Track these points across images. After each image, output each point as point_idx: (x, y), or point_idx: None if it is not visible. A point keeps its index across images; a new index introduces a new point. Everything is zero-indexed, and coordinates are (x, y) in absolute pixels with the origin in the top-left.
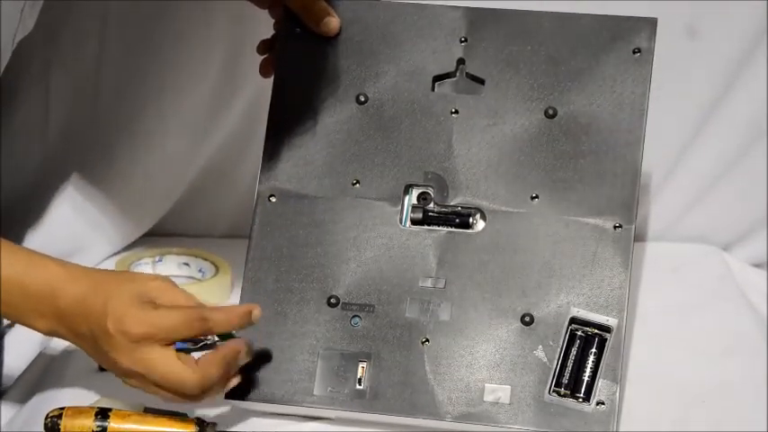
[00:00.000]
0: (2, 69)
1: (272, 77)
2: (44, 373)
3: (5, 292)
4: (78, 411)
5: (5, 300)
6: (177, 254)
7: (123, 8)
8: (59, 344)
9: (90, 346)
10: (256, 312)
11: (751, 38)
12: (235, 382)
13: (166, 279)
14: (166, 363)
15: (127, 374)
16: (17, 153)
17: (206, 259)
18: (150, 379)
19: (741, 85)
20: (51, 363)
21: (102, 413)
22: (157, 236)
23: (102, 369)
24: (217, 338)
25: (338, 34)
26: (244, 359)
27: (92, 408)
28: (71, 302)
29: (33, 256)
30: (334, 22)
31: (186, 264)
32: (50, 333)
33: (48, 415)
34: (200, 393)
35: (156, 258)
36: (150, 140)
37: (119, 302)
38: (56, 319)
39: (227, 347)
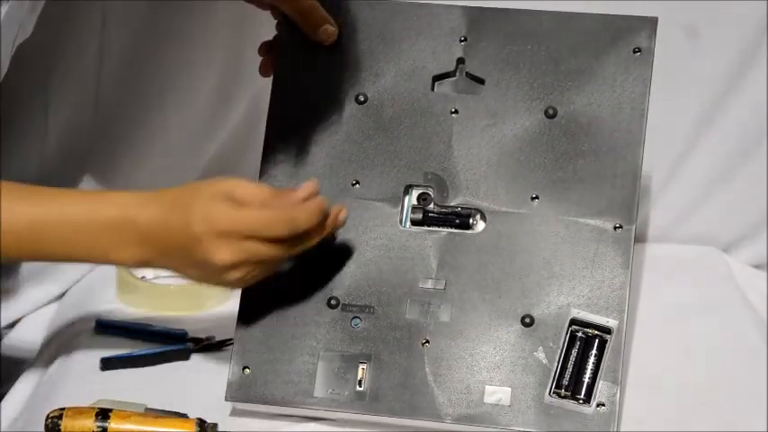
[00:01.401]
0: (3, 73)
1: (272, 77)
2: (44, 374)
3: (85, 232)
4: (79, 412)
5: (89, 241)
6: None
7: (123, 11)
8: (59, 344)
9: (180, 260)
10: (342, 216)
11: (751, 40)
12: (342, 214)
13: (241, 178)
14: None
15: (227, 270)
16: (17, 157)
17: None
18: (253, 258)
19: (742, 86)
20: (52, 363)
21: (103, 413)
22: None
23: (103, 368)
24: (215, 340)
25: (341, 33)
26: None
27: (92, 408)
28: (152, 222)
29: (98, 192)
30: (331, 30)
31: None
32: (138, 262)
33: (48, 415)
34: (297, 226)
35: None
36: (151, 142)
37: (202, 204)
38: (140, 244)
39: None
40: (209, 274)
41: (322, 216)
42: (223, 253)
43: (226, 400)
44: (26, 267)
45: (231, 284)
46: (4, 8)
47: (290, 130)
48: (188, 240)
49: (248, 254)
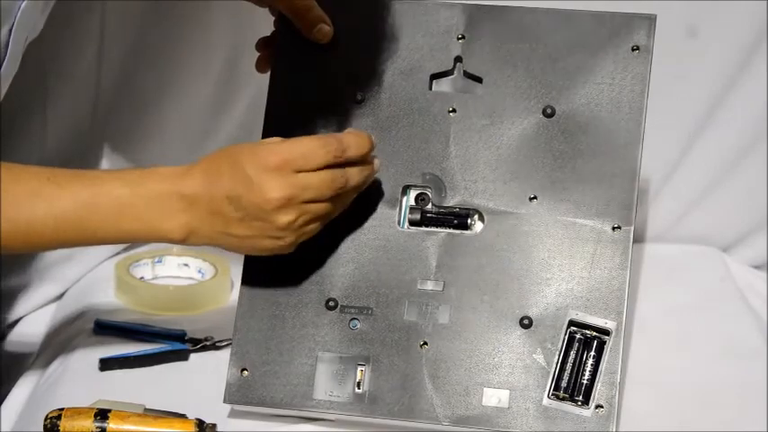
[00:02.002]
0: (16, 68)
1: (269, 76)
2: (43, 375)
3: (130, 206)
4: (77, 412)
5: (135, 216)
6: (176, 255)
7: (122, 11)
8: (58, 345)
9: (230, 219)
10: (374, 139)
11: (750, 41)
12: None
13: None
14: (312, 174)
15: (279, 210)
16: (16, 157)
17: (205, 260)
18: (305, 196)
19: (741, 86)
20: (51, 364)
21: (102, 414)
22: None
23: (102, 369)
24: (213, 340)
25: (338, 31)
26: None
27: (91, 408)
28: (197, 183)
29: (139, 169)
30: (326, 30)
31: (186, 264)
32: (186, 234)
33: (47, 416)
34: (353, 187)
35: (156, 259)
36: (150, 143)
37: (247, 148)
38: (186, 210)
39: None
40: (259, 224)
41: (369, 146)
42: (275, 189)
43: (224, 402)
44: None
45: (280, 236)
46: (21, 6)
47: (288, 129)
48: (238, 184)
49: (300, 187)
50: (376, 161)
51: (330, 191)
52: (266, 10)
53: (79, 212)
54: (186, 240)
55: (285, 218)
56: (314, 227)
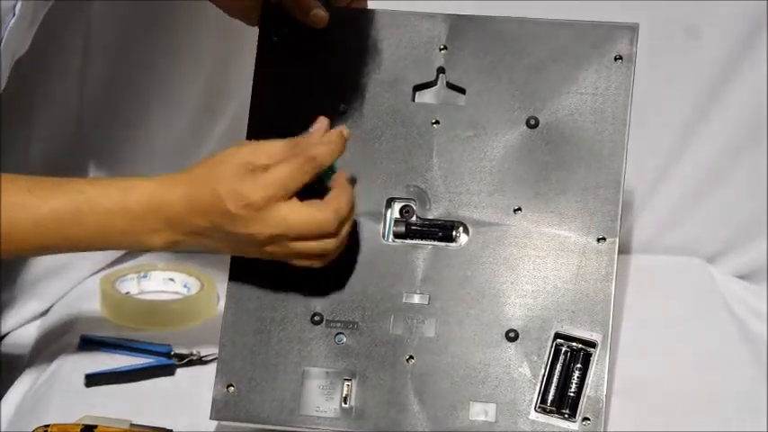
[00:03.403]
0: (2, 87)
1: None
2: (29, 391)
3: (113, 223)
4: (63, 429)
5: (116, 230)
6: (162, 270)
7: (107, 26)
8: (44, 360)
9: (215, 239)
10: (345, 132)
11: (735, 50)
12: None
13: (250, 142)
14: (298, 212)
15: (265, 244)
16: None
17: (191, 275)
18: (291, 235)
19: (725, 97)
20: (36, 380)
21: (88, 429)
22: (142, 252)
23: (88, 385)
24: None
25: (319, 43)
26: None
27: (77, 424)
28: (179, 206)
29: (121, 180)
30: (321, 14)
31: (171, 279)
32: (170, 246)
33: None
34: (339, 227)
35: (141, 274)
36: (135, 156)
37: (227, 182)
38: (170, 230)
39: (341, 177)
40: (247, 249)
41: (341, 138)
42: (263, 227)
43: (211, 418)
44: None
45: (272, 257)
46: (10, 23)
47: (270, 138)
48: (223, 219)
49: (285, 225)
50: (342, 130)
51: (316, 229)
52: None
53: (62, 224)
54: (171, 250)
55: (272, 249)
56: (305, 250)
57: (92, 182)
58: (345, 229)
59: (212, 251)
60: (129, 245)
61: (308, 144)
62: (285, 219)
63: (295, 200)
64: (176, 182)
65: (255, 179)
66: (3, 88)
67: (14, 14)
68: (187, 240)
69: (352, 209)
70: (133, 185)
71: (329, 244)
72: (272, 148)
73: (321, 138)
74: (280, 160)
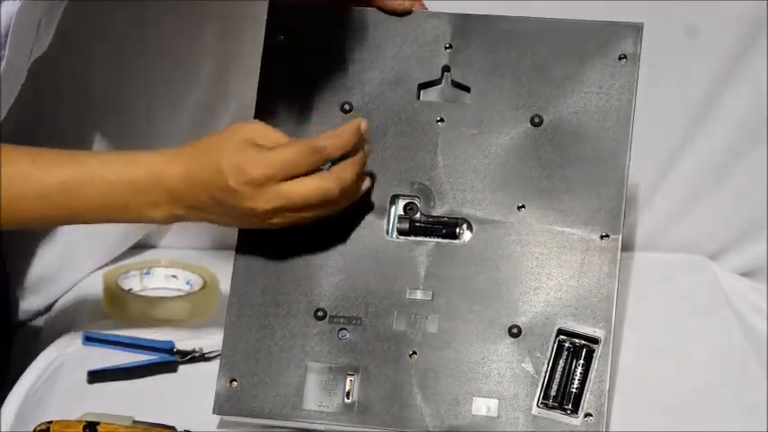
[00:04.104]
0: (18, 89)
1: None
2: (32, 387)
3: (116, 195)
4: (66, 425)
5: (119, 203)
6: (165, 266)
7: (110, 23)
8: (46, 357)
9: (217, 213)
10: (364, 125)
11: (737, 49)
12: (368, 183)
13: (257, 121)
14: (300, 183)
15: (268, 216)
16: None
17: (193, 272)
18: (293, 205)
19: (728, 95)
20: (39, 376)
21: (90, 426)
22: (145, 248)
23: (90, 381)
24: (202, 352)
25: (325, 41)
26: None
27: (79, 421)
28: (180, 180)
29: (125, 153)
30: (407, 3)
31: (174, 276)
32: (170, 219)
33: (35, 428)
34: (341, 194)
35: (144, 271)
36: None
37: (229, 156)
38: (171, 203)
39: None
40: (249, 220)
41: (349, 139)
42: (261, 202)
43: (213, 413)
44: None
45: (276, 226)
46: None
47: None
48: (223, 193)
49: (286, 198)
50: (365, 149)
51: (320, 199)
52: (254, 20)
53: (66, 195)
54: (172, 223)
55: (276, 221)
56: (312, 212)
57: (96, 154)
58: (348, 196)
59: (216, 223)
60: (131, 218)
61: (320, 136)
62: (287, 193)
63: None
64: (179, 155)
65: (257, 154)
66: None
67: None
68: (188, 214)
69: (355, 175)
70: (136, 159)
71: (331, 209)
72: (278, 132)
73: (339, 131)
74: (285, 144)
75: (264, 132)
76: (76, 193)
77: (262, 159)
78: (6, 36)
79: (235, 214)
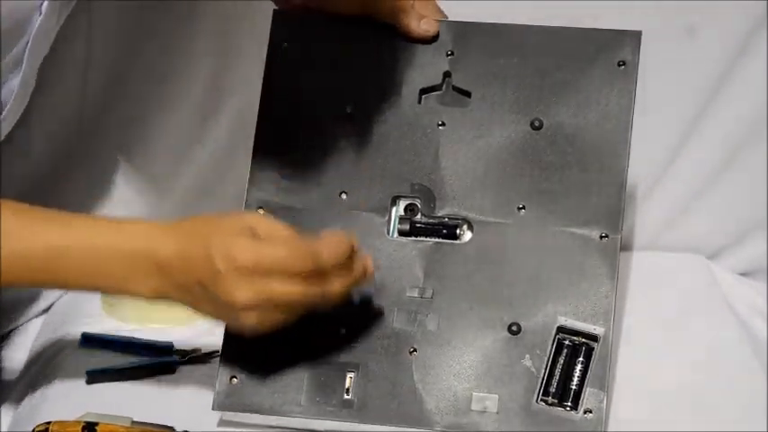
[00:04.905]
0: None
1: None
2: (30, 388)
3: (104, 263)
4: (64, 425)
5: (107, 270)
6: None
7: (108, 24)
8: (45, 358)
9: (199, 298)
10: (370, 267)
11: (735, 51)
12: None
13: (259, 212)
14: (284, 283)
15: (246, 309)
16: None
17: None
18: (271, 303)
19: (726, 95)
20: (38, 377)
21: (89, 427)
22: None
23: (89, 382)
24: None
25: (328, 48)
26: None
27: (78, 422)
28: (171, 255)
29: (118, 221)
30: (433, 25)
31: None
32: (156, 295)
33: (34, 429)
34: (322, 305)
35: None
36: (135, 159)
37: (222, 238)
38: (159, 276)
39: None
40: (225, 312)
41: (346, 250)
42: (243, 291)
43: (213, 409)
44: None
45: (246, 328)
46: (37, 22)
47: (279, 141)
48: (208, 274)
49: (268, 295)
50: (367, 262)
51: (300, 305)
52: (252, 21)
53: (51, 260)
54: (156, 300)
55: (251, 317)
56: (287, 314)
57: (85, 219)
58: (335, 282)
59: (197, 311)
60: (113, 289)
61: (317, 241)
62: (270, 290)
63: None
64: (173, 230)
65: (249, 242)
66: (33, 87)
67: (41, 13)
68: (173, 293)
69: (338, 259)
70: (127, 228)
71: (310, 291)
72: (278, 226)
73: (329, 237)
74: (282, 240)
75: (268, 224)
76: (61, 257)
77: (254, 248)
78: (25, 50)
79: (215, 302)
